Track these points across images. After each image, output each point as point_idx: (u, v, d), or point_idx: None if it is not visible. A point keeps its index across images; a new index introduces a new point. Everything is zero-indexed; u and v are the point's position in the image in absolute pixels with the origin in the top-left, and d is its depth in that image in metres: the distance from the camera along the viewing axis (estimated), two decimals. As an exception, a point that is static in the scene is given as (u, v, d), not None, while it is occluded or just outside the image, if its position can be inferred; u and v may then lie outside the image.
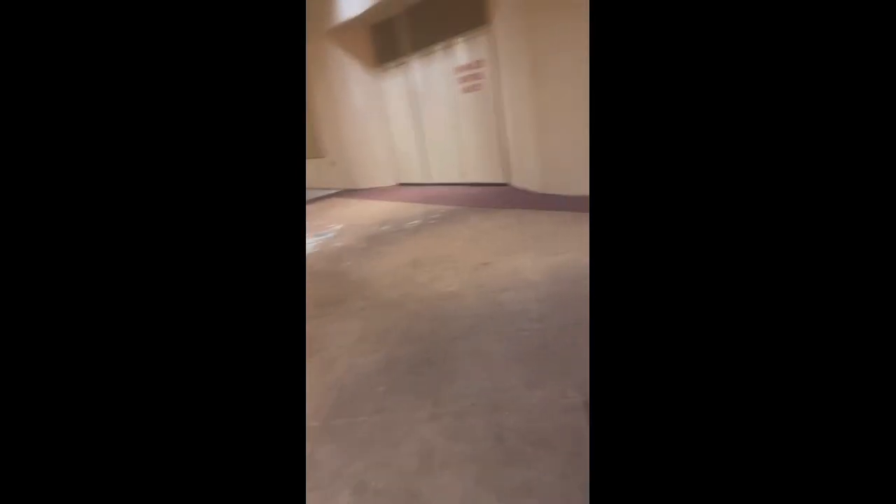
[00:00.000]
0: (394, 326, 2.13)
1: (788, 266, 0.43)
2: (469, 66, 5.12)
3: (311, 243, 4.10)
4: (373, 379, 1.72)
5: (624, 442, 0.47)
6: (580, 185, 3.89)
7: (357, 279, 2.90)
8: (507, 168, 5.09)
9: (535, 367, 1.61)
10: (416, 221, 4.23)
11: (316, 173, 7.85)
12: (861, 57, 0.40)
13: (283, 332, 0.53)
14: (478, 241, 3.23)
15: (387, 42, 6.16)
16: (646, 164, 0.48)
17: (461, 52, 5.17)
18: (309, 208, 6.13)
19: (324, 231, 4.49)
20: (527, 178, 4.67)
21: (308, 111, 7.49)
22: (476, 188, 5.40)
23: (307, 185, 8.24)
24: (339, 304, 2.55)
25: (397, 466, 1.26)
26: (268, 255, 0.53)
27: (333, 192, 7.29)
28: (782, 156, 0.43)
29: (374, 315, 2.31)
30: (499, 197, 4.62)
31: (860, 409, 0.40)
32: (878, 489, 0.39)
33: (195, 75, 0.50)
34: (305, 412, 1.58)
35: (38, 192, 0.44)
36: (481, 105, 5.15)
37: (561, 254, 2.66)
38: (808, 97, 0.42)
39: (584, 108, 3.68)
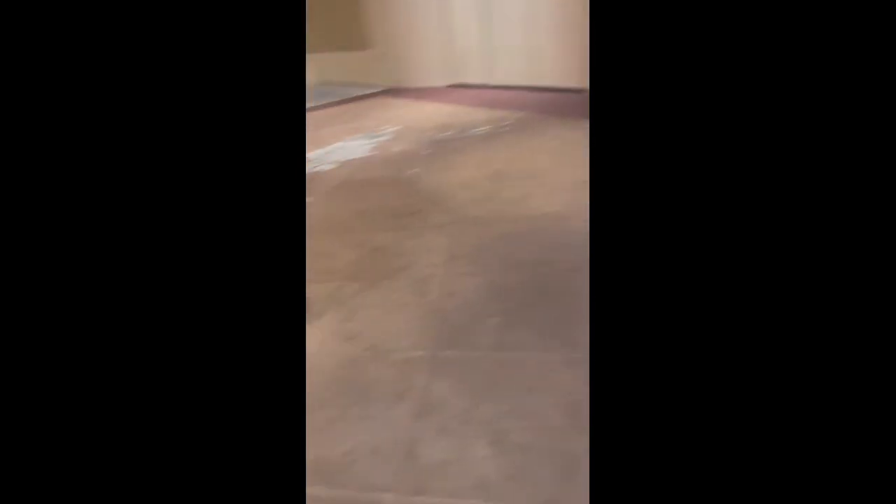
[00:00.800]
0: (490, 248, 1.86)
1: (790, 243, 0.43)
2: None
3: (366, 145, 3.73)
4: (481, 308, 1.49)
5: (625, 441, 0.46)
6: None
7: (430, 190, 2.58)
8: (588, 70, 4.39)
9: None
10: (484, 128, 3.76)
11: (357, 67, 7.15)
12: (861, 57, 0.41)
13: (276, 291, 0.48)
14: (569, 156, 2.80)
15: None
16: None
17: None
18: (354, 108, 5.64)
19: (378, 132, 4.08)
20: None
21: (353, -9, 6.58)
22: (548, 93, 4.75)
23: (348, 81, 7.61)
24: (415, 215, 2.27)
25: (539, 418, 1.06)
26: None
27: (377, 90, 6.68)
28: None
29: (461, 233, 2.03)
30: (578, 104, 4.03)
31: (860, 410, 0.41)
32: (878, 489, 0.40)
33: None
34: (305, 397, 1.40)
35: (30, 186, 0.43)
36: (565, -10, 4.29)
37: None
38: (808, 91, 0.42)
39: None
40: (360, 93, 6.60)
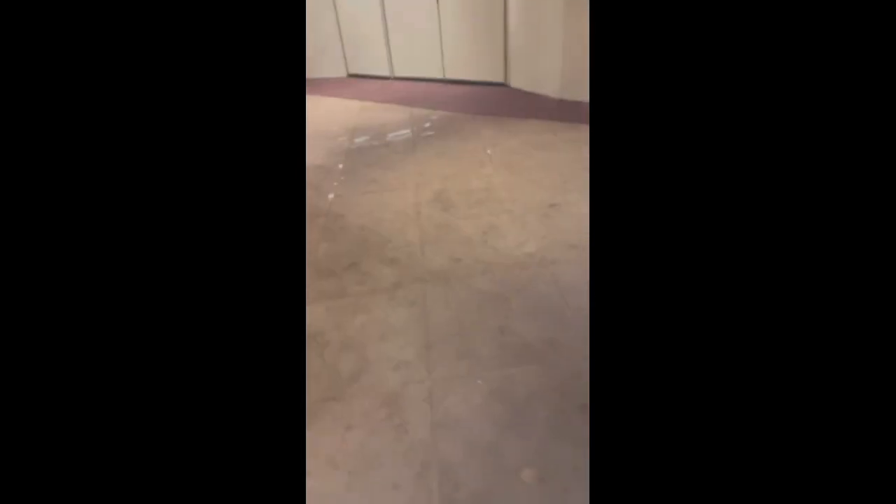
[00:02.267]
0: (470, 330, 1.36)
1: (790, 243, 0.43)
2: None
3: None
4: (499, 461, 1.00)
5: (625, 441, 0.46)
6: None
7: (360, 226, 1.98)
8: (506, 63, 4.04)
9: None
10: (404, 131, 3.19)
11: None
12: (861, 57, 0.40)
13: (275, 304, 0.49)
14: (517, 168, 2.40)
15: None
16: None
17: None
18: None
19: (271, 140, 3.26)
20: (539, 78, 3.71)
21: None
22: (460, 87, 4.31)
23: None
24: (350, 271, 1.67)
25: None
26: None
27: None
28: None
29: (425, 300, 1.49)
30: (502, 101, 3.66)
31: (860, 410, 0.41)
32: (877, 489, 0.40)
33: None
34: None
35: (30, 186, 0.43)
36: (475, -30, 3.84)
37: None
38: (808, 85, 0.42)
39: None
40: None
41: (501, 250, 1.71)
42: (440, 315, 1.41)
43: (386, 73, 5.00)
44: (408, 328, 1.36)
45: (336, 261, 1.74)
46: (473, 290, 1.50)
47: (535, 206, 1.99)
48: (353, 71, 5.32)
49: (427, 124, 3.31)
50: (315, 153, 2.93)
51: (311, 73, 5.41)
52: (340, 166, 2.67)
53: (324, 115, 3.78)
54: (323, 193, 2.34)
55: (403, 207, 2.10)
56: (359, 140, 3.10)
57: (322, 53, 5.29)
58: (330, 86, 4.89)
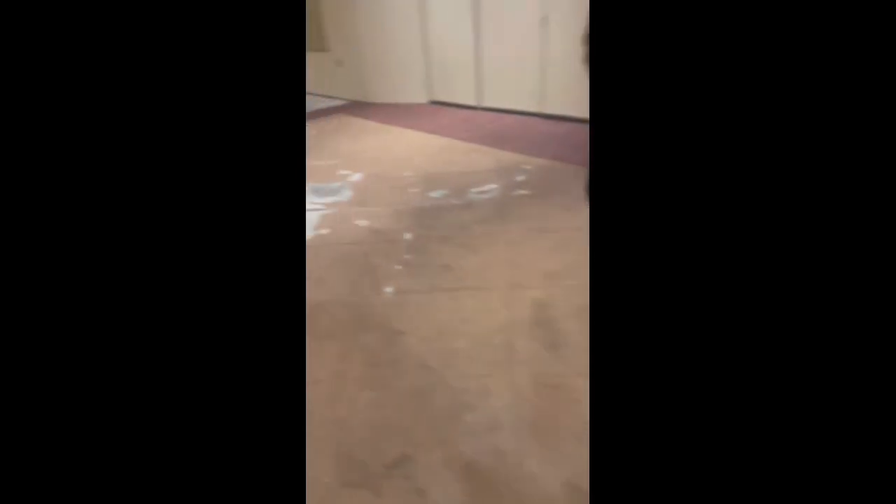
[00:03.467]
0: None
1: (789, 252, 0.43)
2: None
3: (311, 212, 2.40)
4: None
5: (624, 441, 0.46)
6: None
7: (424, 362, 1.32)
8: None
9: None
10: (491, 187, 2.52)
11: (315, 74, 5.73)
12: (861, 57, 0.40)
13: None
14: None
15: None
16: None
17: None
18: (308, 124, 4.29)
19: (331, 186, 2.75)
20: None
21: (304, -24, 5.16)
22: (561, 124, 3.56)
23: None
24: (399, 477, 1.00)
25: None
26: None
27: (339, 103, 5.31)
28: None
29: None
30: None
31: (860, 410, 0.41)
32: (877, 489, 0.40)
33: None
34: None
35: (30, 189, 0.43)
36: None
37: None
38: (807, 96, 0.42)
39: None
40: (319, 106, 5.22)
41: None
42: None
43: (472, 101, 4.40)
44: None
45: (377, 447, 1.08)
46: None
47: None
48: (437, 97, 4.79)
49: (520, 177, 2.61)
50: (378, 209, 2.36)
51: (388, 96, 4.98)
52: (408, 237, 2.06)
53: (396, 154, 3.24)
54: (378, 283, 1.72)
55: (488, 331, 1.41)
56: (434, 195, 2.48)
57: (403, 76, 4.84)
58: (408, 114, 4.39)
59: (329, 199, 2.54)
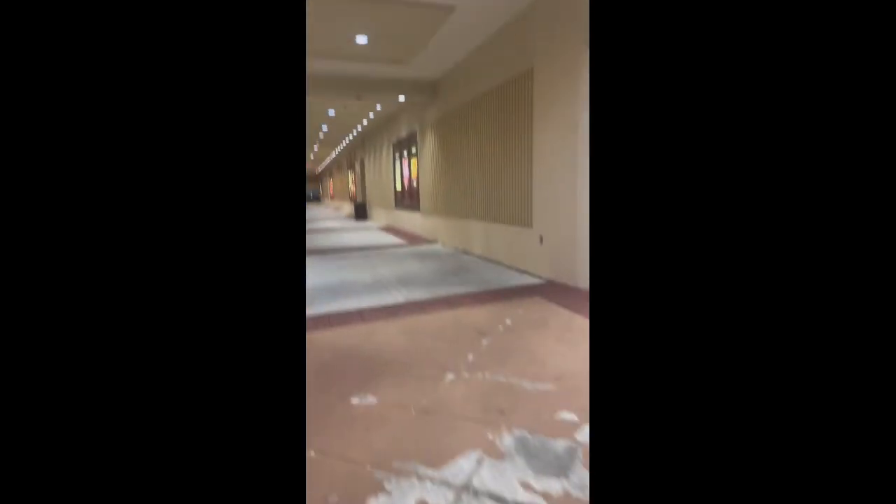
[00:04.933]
0: None
1: (787, 265, 0.43)
2: None
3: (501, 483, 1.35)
4: None
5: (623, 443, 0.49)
6: None
7: None
8: None
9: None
10: None
11: (515, 244, 5.44)
12: (861, 57, 0.39)
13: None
14: None
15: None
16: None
17: None
18: (498, 309, 3.59)
19: (553, 450, 1.71)
20: None
21: (517, 158, 5.22)
22: None
23: (495, 258, 5.93)
24: None
25: None
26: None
27: (536, 281, 4.69)
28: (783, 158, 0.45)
29: None
30: None
31: (860, 410, 0.40)
32: (877, 489, 0.39)
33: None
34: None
35: (32, 187, 0.42)
36: None
37: None
38: (806, 103, 0.43)
39: None
40: (514, 282, 4.69)
41: None
42: None
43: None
44: None
45: None
46: None
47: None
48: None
49: None
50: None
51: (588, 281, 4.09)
52: None
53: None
54: None
55: None
56: None
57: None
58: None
59: (555, 486, 1.48)
